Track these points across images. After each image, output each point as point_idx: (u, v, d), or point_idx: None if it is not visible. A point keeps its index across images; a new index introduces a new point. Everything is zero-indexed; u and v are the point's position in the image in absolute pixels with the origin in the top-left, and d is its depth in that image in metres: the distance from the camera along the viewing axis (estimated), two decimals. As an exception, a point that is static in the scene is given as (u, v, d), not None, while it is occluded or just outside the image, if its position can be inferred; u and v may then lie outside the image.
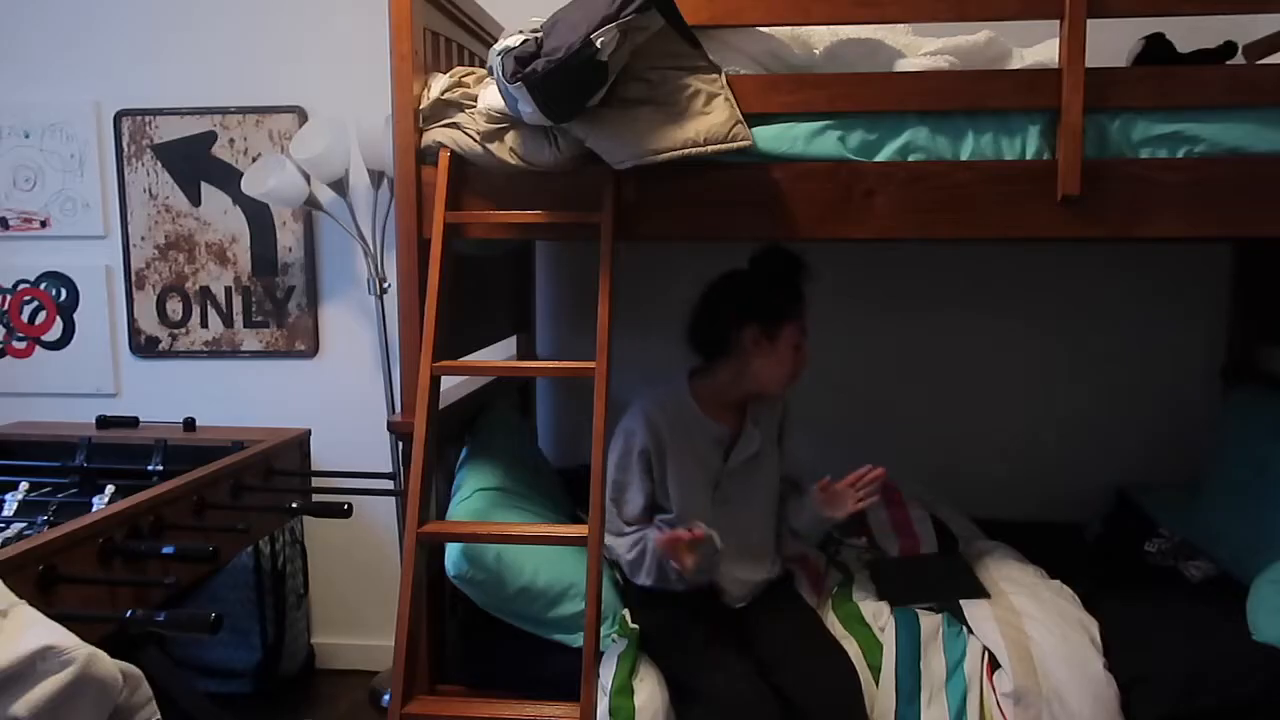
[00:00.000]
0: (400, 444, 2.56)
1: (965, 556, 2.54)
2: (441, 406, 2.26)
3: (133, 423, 3.13)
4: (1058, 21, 2.03)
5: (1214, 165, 2.02)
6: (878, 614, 2.26)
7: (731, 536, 2.24)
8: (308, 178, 3.00)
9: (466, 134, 2.14)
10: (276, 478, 2.80)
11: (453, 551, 2.20)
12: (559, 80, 1.91)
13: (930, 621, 2.22)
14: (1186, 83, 2.04)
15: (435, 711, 2.02)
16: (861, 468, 2.20)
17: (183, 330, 3.34)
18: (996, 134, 2.08)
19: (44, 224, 3.36)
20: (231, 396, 3.32)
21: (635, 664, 2.14)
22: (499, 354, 3.07)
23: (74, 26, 3.28)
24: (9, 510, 2.49)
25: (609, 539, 2.24)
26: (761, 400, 2.33)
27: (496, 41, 2.07)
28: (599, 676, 2.07)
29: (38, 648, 1.54)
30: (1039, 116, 2.06)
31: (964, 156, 2.08)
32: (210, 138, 3.26)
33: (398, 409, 2.51)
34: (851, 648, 2.17)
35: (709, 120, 2.01)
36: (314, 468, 3.07)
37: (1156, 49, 2.26)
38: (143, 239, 3.32)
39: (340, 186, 3.01)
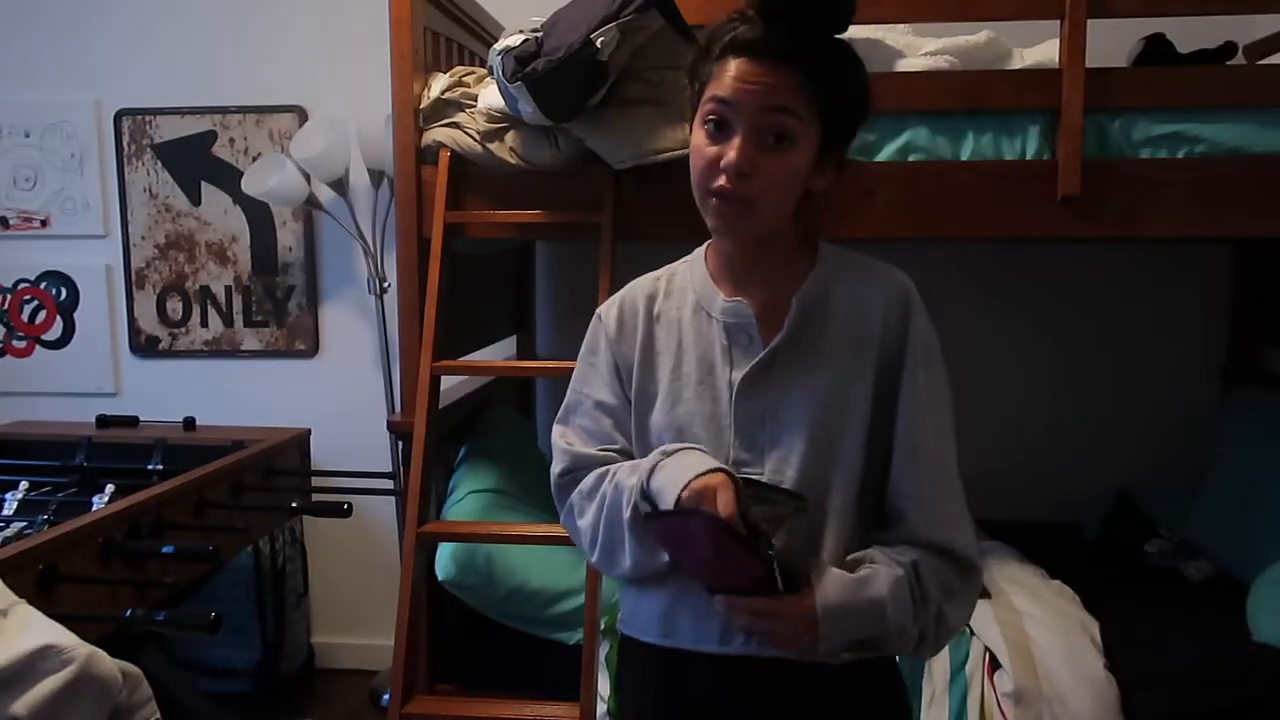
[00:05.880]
0: (400, 444, 2.56)
1: (965, 556, 2.54)
2: (441, 406, 2.26)
3: (133, 422, 3.13)
4: (1058, 21, 2.03)
5: (1214, 165, 2.02)
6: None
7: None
8: (308, 177, 3.00)
9: (466, 134, 2.14)
10: (276, 477, 2.80)
11: (442, 557, 2.19)
12: (559, 80, 1.92)
13: (930, 622, 2.21)
14: (1186, 83, 2.04)
15: (435, 711, 2.03)
16: None
17: (183, 330, 3.34)
18: (996, 134, 2.08)
19: (44, 223, 3.36)
20: (231, 396, 3.31)
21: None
22: (499, 354, 3.07)
23: (74, 26, 3.28)
24: (9, 510, 2.49)
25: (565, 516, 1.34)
26: (799, 271, 1.28)
27: (496, 41, 2.07)
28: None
29: (37, 647, 1.54)
30: (1039, 116, 2.06)
31: (964, 156, 2.08)
32: (210, 137, 3.25)
33: (398, 409, 2.51)
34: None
35: (709, 120, 2.01)
36: (314, 467, 3.07)
37: (1156, 49, 2.27)
38: (143, 238, 3.32)
39: (340, 186, 3.00)
